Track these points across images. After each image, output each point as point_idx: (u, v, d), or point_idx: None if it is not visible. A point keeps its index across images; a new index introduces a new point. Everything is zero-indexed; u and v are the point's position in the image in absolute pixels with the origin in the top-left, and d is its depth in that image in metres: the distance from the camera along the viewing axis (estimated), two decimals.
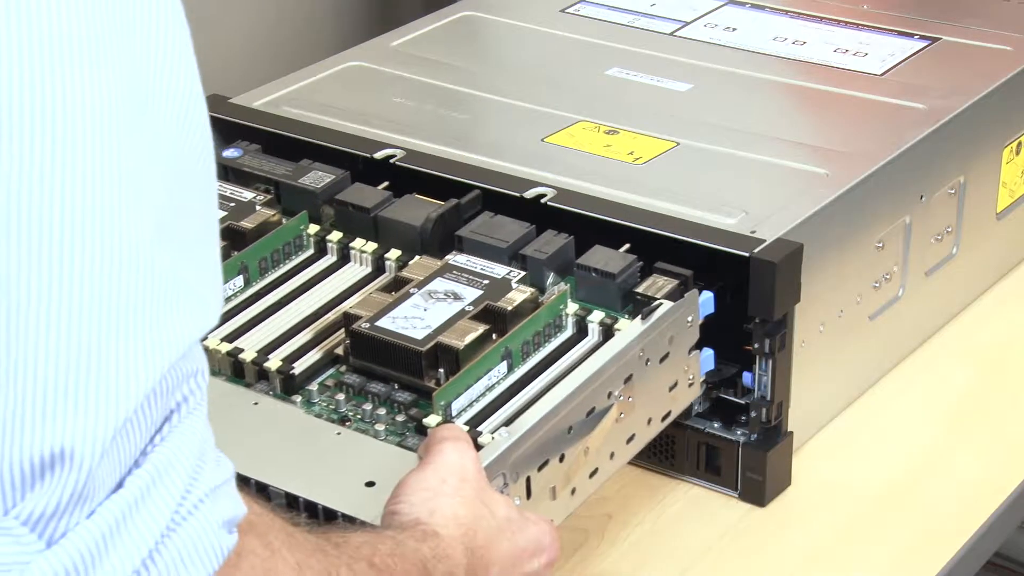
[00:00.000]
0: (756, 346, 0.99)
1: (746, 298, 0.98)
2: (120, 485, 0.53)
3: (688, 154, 1.11)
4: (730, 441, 1.02)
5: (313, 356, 0.94)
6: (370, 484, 0.83)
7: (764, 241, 0.98)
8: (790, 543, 1.01)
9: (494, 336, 0.92)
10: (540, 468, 0.85)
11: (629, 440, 0.92)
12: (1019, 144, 1.24)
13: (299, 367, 0.93)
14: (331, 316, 0.98)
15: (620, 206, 1.03)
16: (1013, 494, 1.05)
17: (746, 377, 1.01)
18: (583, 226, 1.02)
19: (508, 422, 0.86)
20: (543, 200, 1.03)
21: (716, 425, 1.03)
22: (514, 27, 1.35)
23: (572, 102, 1.18)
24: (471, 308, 0.93)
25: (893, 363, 1.16)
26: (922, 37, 1.29)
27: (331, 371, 0.93)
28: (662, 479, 1.05)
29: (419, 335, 0.90)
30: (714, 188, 1.05)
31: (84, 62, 0.52)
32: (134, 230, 0.53)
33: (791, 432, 1.03)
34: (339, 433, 0.88)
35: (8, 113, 0.50)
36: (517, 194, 1.04)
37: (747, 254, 0.97)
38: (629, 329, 0.92)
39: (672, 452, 1.04)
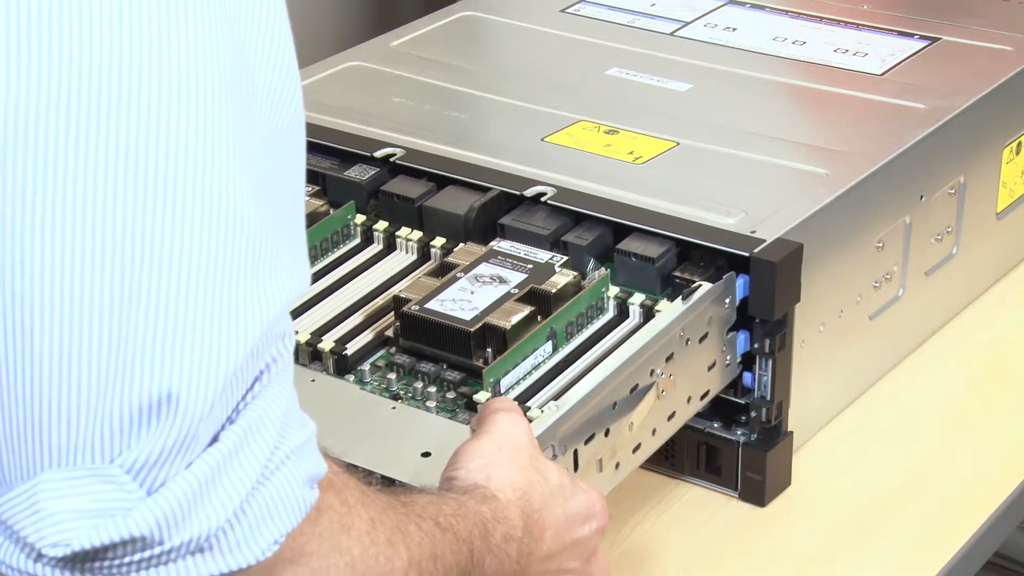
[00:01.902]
0: (756, 346, 0.99)
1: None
2: (215, 439, 0.57)
3: (688, 154, 1.11)
4: (730, 441, 1.02)
5: (364, 338, 0.97)
6: (426, 455, 0.86)
7: (764, 241, 0.98)
8: (790, 543, 1.00)
9: (539, 317, 0.95)
10: (587, 442, 0.88)
11: (670, 417, 0.95)
12: (1019, 144, 1.24)
13: (351, 348, 0.95)
14: (380, 300, 1.01)
15: (620, 205, 1.03)
16: (1013, 494, 1.05)
17: (746, 377, 1.01)
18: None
19: (555, 398, 0.89)
20: (543, 199, 1.04)
21: (716, 425, 1.03)
22: (514, 27, 1.35)
23: (572, 102, 1.18)
24: (516, 291, 0.96)
25: (893, 363, 1.16)
26: (922, 37, 1.29)
27: (382, 352, 0.96)
28: (662, 479, 1.05)
29: (467, 316, 0.94)
30: (714, 188, 1.05)
31: (196, 32, 0.55)
32: (239, 193, 0.56)
33: (791, 432, 1.03)
34: (394, 408, 0.91)
35: (128, 80, 0.53)
36: (517, 192, 1.05)
37: (747, 254, 0.97)
38: (670, 309, 0.94)
39: (672, 452, 1.04)
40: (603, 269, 1.00)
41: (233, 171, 0.56)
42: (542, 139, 1.13)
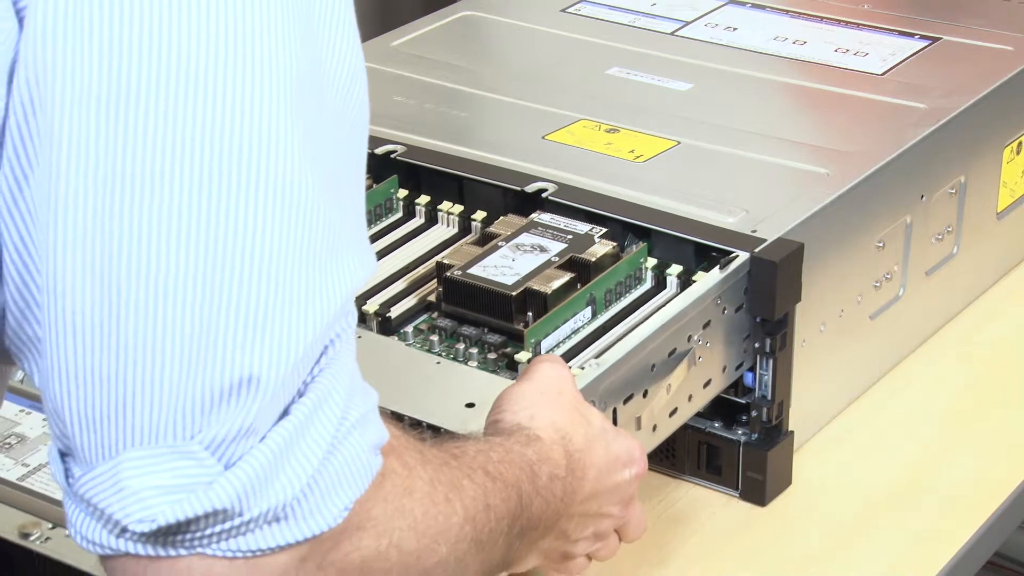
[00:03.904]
0: (757, 345, 0.99)
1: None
2: (286, 413, 0.59)
3: (689, 153, 1.11)
4: (731, 441, 1.02)
5: (408, 303, 0.99)
6: (470, 405, 0.88)
7: (765, 240, 0.98)
8: (790, 543, 1.00)
9: (578, 285, 0.97)
10: (625, 401, 0.90)
11: (706, 385, 0.97)
12: (1019, 144, 1.24)
13: (395, 312, 0.97)
14: (423, 268, 1.03)
15: (621, 202, 1.03)
16: (1013, 494, 1.05)
17: (747, 376, 1.01)
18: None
19: (596, 357, 0.91)
20: (544, 195, 1.04)
21: (717, 425, 1.03)
22: (514, 27, 1.35)
23: (573, 101, 1.18)
24: (556, 259, 0.98)
25: (893, 362, 1.16)
26: (923, 37, 1.29)
27: (424, 316, 0.98)
28: (662, 479, 1.05)
29: (509, 281, 0.96)
30: (715, 187, 1.05)
31: (271, 24, 0.57)
32: (311, 182, 0.58)
33: (792, 431, 1.03)
34: (438, 363, 0.93)
35: (206, 72, 0.55)
36: (518, 188, 1.05)
37: (748, 253, 0.97)
38: (708, 277, 0.96)
39: (673, 452, 1.04)
40: (640, 243, 1.01)
41: (305, 161, 0.58)
42: (543, 137, 1.13)
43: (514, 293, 0.94)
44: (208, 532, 0.58)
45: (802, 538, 1.01)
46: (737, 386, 1.01)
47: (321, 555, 0.61)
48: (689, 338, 0.94)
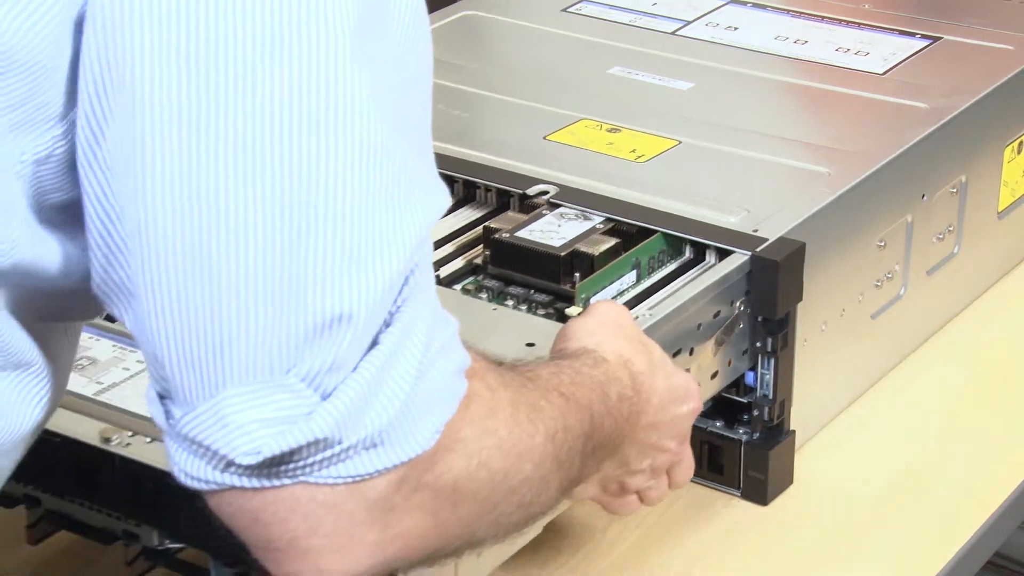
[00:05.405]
0: (758, 345, 0.99)
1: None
2: (375, 343, 0.61)
3: (690, 153, 1.11)
4: (732, 440, 1.02)
5: (455, 264, 1.01)
6: (530, 344, 0.91)
7: (766, 240, 0.98)
8: (792, 542, 1.00)
9: (623, 251, 0.99)
10: (673, 356, 0.92)
11: (744, 352, 0.99)
12: (1020, 143, 1.24)
13: (443, 272, 1.00)
14: (468, 235, 1.05)
15: (622, 203, 1.03)
16: (1013, 494, 1.05)
17: (748, 376, 1.01)
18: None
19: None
20: (545, 197, 1.04)
21: (718, 424, 1.03)
22: (515, 26, 1.35)
23: (574, 101, 1.18)
24: (601, 226, 1.00)
25: (895, 362, 1.16)
26: (924, 36, 1.29)
27: (471, 278, 1.00)
28: None
29: (556, 243, 0.98)
30: (716, 186, 1.05)
31: None
32: (381, 122, 0.60)
33: (793, 431, 1.03)
34: (495, 309, 0.97)
35: (276, 24, 0.57)
36: (519, 191, 1.05)
37: (749, 253, 0.97)
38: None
39: None
40: None
41: (374, 102, 0.60)
42: (544, 137, 1.13)
43: (563, 254, 0.96)
44: (310, 461, 0.60)
45: (803, 537, 1.01)
46: (739, 385, 1.01)
47: (416, 477, 0.63)
48: (732, 303, 0.96)
